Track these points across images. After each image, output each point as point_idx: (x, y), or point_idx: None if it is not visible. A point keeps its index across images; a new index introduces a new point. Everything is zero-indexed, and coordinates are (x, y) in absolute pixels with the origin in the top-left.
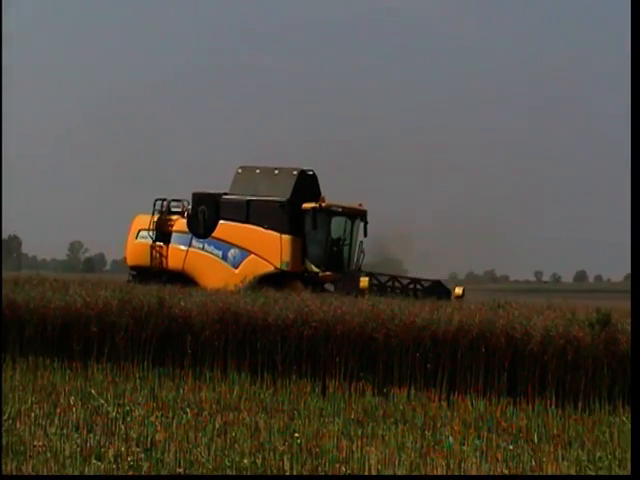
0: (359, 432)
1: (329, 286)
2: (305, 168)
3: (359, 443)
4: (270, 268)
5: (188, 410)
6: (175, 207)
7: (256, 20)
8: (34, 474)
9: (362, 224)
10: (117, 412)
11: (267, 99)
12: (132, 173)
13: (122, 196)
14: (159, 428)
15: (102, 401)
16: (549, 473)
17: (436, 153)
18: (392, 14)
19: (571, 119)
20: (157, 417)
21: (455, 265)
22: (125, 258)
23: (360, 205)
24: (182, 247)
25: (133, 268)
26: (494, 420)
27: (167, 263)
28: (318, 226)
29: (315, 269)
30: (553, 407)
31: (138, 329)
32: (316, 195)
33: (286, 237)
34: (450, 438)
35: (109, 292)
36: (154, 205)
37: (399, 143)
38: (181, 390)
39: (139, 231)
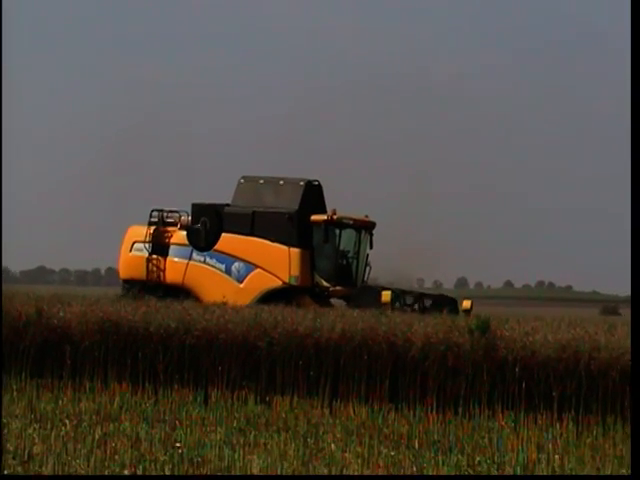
0: (241, 441)
1: (334, 301)
2: (310, 178)
3: (241, 452)
4: (278, 283)
5: (67, 421)
6: (169, 218)
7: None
8: (34, 474)
9: (369, 237)
10: None
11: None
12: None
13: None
14: (37, 440)
15: None
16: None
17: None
18: None
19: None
20: (35, 429)
21: None
22: (118, 271)
23: (366, 217)
24: (181, 260)
25: (127, 282)
26: (376, 427)
27: (165, 277)
28: (329, 239)
29: (325, 284)
30: (434, 413)
31: (15, 340)
32: (321, 206)
33: (295, 250)
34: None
35: None
36: (150, 216)
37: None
38: (60, 401)
39: (133, 243)
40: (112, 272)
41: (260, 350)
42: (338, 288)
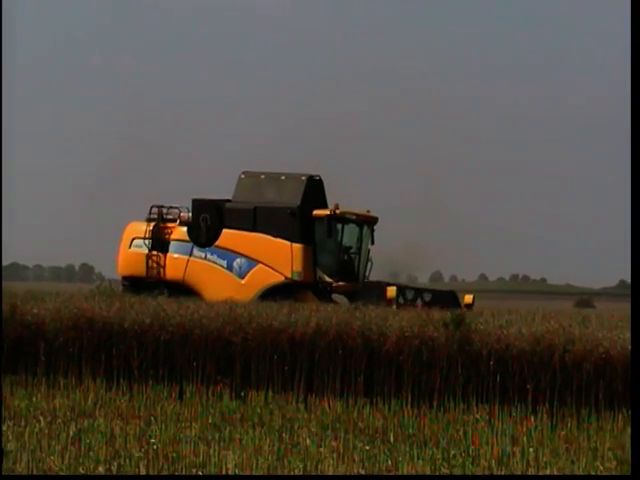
0: (216, 436)
1: (335, 297)
2: (312, 174)
3: (216, 447)
4: (280, 278)
5: (41, 418)
6: (168, 214)
7: None
8: (34, 474)
9: (370, 232)
10: None
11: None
12: None
13: None
14: (11, 437)
15: None
16: (404, 473)
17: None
18: None
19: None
20: (9, 426)
21: None
22: (117, 268)
23: (368, 212)
24: (182, 256)
25: (126, 278)
26: (351, 421)
27: (165, 273)
28: (332, 234)
29: (328, 279)
30: (409, 407)
31: None
32: (322, 201)
33: (297, 246)
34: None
35: None
36: (150, 212)
37: None
38: (34, 398)
39: (133, 239)
40: (86, 268)
41: (235, 345)
42: (341, 283)
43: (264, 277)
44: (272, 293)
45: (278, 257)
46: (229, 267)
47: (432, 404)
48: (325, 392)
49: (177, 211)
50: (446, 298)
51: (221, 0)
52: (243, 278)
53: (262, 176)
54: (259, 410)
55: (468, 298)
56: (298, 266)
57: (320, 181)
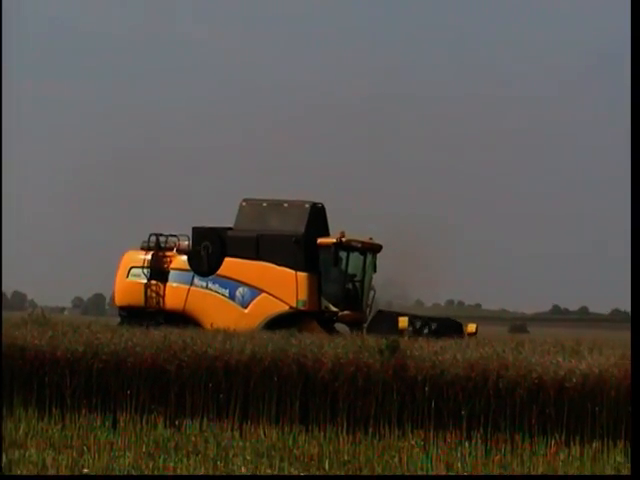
0: (151, 465)
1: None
2: (315, 201)
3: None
4: (285, 308)
5: None
6: (163, 243)
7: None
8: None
9: (374, 260)
10: None
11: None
12: None
13: None
14: None
15: None
16: None
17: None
18: None
19: None
20: None
21: None
22: (113, 298)
23: (371, 239)
24: (182, 286)
25: (123, 308)
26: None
27: (165, 303)
28: (338, 263)
29: (334, 308)
30: (344, 433)
31: None
32: (324, 229)
33: (302, 274)
34: None
35: None
36: (148, 240)
37: None
38: None
39: (130, 268)
40: (18, 295)
41: (169, 373)
42: (347, 312)
43: (268, 306)
44: (276, 323)
45: (282, 286)
46: (231, 296)
47: (367, 430)
48: (260, 419)
49: (175, 239)
50: (451, 327)
51: None
52: (246, 307)
53: (264, 204)
54: (194, 438)
55: (471, 327)
56: (303, 295)
57: (323, 208)
